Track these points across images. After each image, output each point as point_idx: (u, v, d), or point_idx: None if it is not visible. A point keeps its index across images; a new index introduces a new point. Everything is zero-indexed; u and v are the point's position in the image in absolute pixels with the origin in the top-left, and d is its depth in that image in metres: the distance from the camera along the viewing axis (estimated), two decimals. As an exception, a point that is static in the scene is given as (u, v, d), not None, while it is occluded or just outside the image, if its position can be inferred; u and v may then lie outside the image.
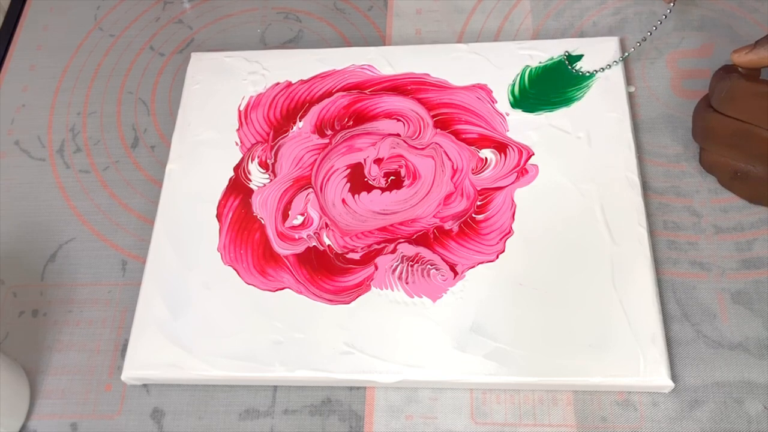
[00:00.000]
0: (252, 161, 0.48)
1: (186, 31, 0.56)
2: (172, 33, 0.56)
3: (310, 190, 0.46)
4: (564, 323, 0.40)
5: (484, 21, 0.53)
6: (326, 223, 0.45)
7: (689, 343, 0.40)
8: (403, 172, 0.46)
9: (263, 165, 0.47)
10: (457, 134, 0.47)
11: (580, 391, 0.40)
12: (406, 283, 0.42)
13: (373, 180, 0.46)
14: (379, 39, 0.54)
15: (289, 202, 0.46)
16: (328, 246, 0.44)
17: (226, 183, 0.47)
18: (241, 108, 0.50)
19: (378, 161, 0.46)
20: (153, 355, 0.41)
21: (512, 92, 0.48)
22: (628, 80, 0.49)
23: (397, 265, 0.43)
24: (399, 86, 0.49)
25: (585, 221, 0.43)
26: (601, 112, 0.46)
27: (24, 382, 0.42)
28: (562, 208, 0.43)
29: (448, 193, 0.45)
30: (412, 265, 0.43)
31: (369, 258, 0.43)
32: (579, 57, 0.48)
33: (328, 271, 0.43)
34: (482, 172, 0.45)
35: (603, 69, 0.47)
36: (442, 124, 0.47)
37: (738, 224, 0.43)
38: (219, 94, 0.50)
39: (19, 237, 0.48)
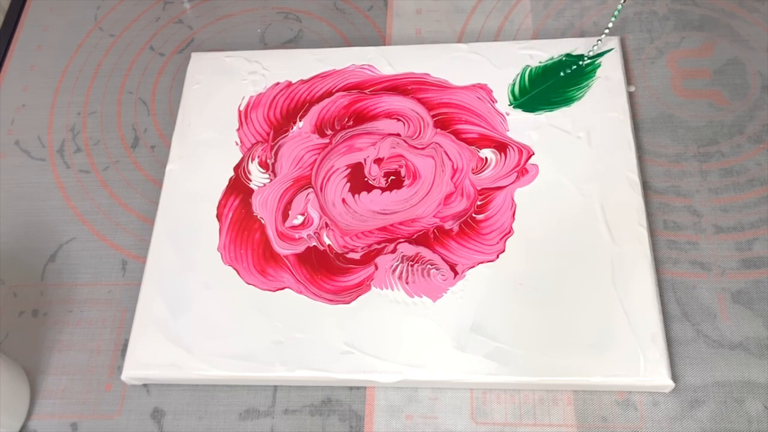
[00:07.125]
0: (252, 161, 0.47)
1: (186, 31, 0.56)
2: (172, 33, 0.56)
3: (310, 189, 0.46)
4: (564, 323, 0.40)
5: (484, 21, 0.53)
6: (326, 223, 0.45)
7: (689, 342, 0.40)
8: (403, 171, 0.46)
9: (263, 165, 0.47)
10: (457, 134, 0.47)
11: (581, 390, 0.40)
12: (407, 283, 0.42)
13: (373, 180, 0.46)
14: (379, 39, 0.54)
15: (289, 202, 0.46)
16: (328, 246, 0.44)
17: (226, 183, 0.47)
18: (241, 108, 0.50)
19: (378, 161, 0.46)
20: (153, 355, 0.41)
21: (512, 92, 0.48)
22: (628, 80, 0.49)
23: (397, 265, 0.43)
24: (399, 86, 0.49)
25: (585, 221, 0.43)
26: (601, 112, 0.46)
27: (24, 382, 0.42)
28: (562, 208, 0.43)
29: (448, 193, 0.45)
30: (412, 265, 0.43)
31: (369, 258, 0.43)
32: (579, 57, 0.48)
33: (328, 271, 0.43)
34: (482, 171, 0.45)
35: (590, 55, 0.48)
36: (442, 123, 0.47)
37: (738, 224, 0.43)
38: (219, 94, 0.50)
39: (19, 237, 0.48)
